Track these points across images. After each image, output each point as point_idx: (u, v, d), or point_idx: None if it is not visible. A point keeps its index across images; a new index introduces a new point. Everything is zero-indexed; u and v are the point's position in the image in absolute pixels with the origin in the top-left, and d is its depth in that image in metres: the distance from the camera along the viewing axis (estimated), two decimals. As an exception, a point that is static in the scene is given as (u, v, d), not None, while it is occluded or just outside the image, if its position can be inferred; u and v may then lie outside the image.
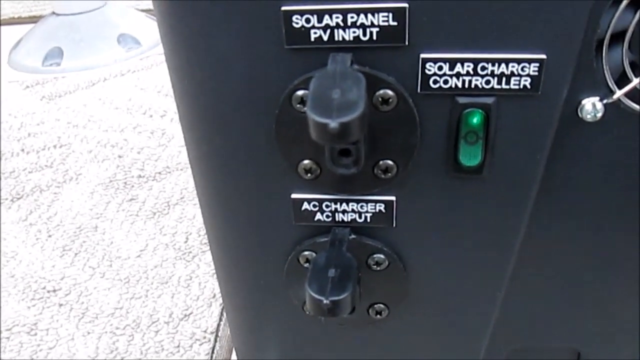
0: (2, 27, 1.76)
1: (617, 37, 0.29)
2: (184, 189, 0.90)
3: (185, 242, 0.79)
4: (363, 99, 0.25)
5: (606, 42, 0.28)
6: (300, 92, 0.30)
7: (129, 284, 0.73)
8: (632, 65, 0.29)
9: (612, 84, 0.29)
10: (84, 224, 0.84)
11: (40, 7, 1.85)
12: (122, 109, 1.16)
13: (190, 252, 0.77)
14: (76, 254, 0.79)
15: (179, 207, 0.86)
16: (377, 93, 0.30)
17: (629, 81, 0.29)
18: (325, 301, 0.29)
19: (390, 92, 0.29)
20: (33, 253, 0.80)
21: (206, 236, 0.79)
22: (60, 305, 0.71)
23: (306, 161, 0.33)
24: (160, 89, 1.23)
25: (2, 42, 1.60)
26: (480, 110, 0.30)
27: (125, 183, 0.92)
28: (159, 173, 0.94)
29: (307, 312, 0.40)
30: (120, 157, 0.99)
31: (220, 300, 0.69)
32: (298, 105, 0.30)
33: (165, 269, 0.75)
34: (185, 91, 0.33)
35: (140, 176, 0.93)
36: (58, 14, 1.49)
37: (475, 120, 0.30)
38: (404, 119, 0.30)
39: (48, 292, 0.73)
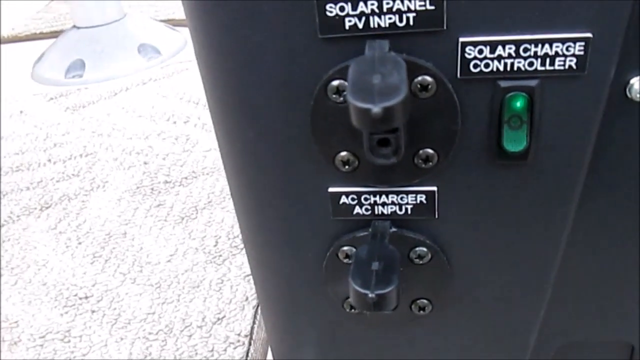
0: (26, 42, 1.78)
1: (666, 12, 0.27)
2: (211, 193, 0.90)
3: (215, 245, 0.79)
4: (405, 82, 0.24)
5: (655, 16, 0.27)
6: (335, 82, 0.29)
7: (161, 289, 0.73)
8: (682, 40, 0.28)
9: (661, 61, 0.28)
10: (113, 230, 0.84)
11: (60, 22, 1.87)
12: (146, 117, 1.16)
13: (221, 255, 0.77)
14: (106, 260, 0.79)
15: (207, 211, 0.86)
16: (416, 80, 0.29)
17: (679, 57, 0.28)
18: (370, 295, 0.28)
19: (429, 79, 0.29)
20: (64, 260, 0.80)
21: (236, 239, 0.79)
22: (93, 311, 0.71)
23: (343, 153, 0.32)
24: (182, 95, 1.23)
25: (26, 58, 1.62)
26: (524, 94, 0.29)
27: (152, 189, 0.92)
28: (185, 178, 0.94)
29: (347, 309, 0.39)
30: (146, 163, 0.99)
31: (254, 303, 0.69)
32: (334, 96, 0.30)
33: (196, 273, 0.75)
34: (216, 86, 0.33)
35: (166, 182, 0.93)
36: (79, 27, 1.50)
37: (519, 104, 0.29)
38: (444, 106, 0.29)
39: (80, 299, 0.73)
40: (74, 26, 1.52)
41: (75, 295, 0.73)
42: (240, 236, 0.79)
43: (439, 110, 0.30)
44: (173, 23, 1.69)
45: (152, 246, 0.80)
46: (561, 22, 0.27)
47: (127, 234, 0.83)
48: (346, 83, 0.29)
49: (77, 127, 1.16)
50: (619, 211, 0.33)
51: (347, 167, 0.32)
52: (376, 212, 0.34)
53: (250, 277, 0.71)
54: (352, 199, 0.34)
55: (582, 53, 0.27)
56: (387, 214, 0.34)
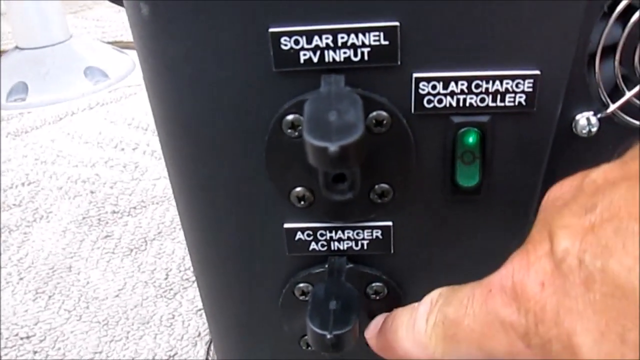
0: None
1: (608, 51, 0.28)
2: (161, 223, 0.88)
3: (166, 278, 0.77)
4: (361, 120, 0.24)
5: (598, 55, 0.28)
6: (290, 117, 0.29)
7: (108, 326, 0.70)
8: (625, 78, 0.29)
9: (605, 98, 0.29)
10: (57, 264, 0.81)
11: (2, 42, 1.82)
12: (92, 143, 1.13)
13: (172, 289, 0.75)
14: (50, 296, 0.76)
15: (157, 243, 0.84)
16: (371, 115, 0.29)
17: (622, 95, 0.29)
18: (329, 336, 0.28)
19: (384, 114, 0.29)
20: (4, 297, 0.76)
21: (187, 271, 0.77)
22: (35, 352, 0.68)
23: (299, 188, 0.31)
24: (130, 121, 1.21)
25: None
26: (476, 129, 0.29)
27: (99, 219, 0.90)
28: (134, 208, 0.92)
29: (304, 347, 0.38)
30: (92, 192, 0.96)
31: (206, 339, 0.67)
32: (289, 131, 0.29)
33: (145, 309, 0.72)
34: (167, 119, 0.32)
35: (114, 212, 0.91)
36: (22, 48, 1.46)
37: (471, 139, 0.29)
38: (399, 141, 0.29)
39: (21, 339, 0.70)
40: (17, 47, 1.48)
41: (16, 335, 0.70)
42: (192, 268, 0.78)
43: (394, 146, 0.30)
44: (121, 45, 1.67)
45: (99, 280, 0.77)
46: (511, 60, 0.27)
47: (73, 267, 0.80)
48: (301, 117, 0.29)
49: (19, 154, 1.12)
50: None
51: (302, 202, 0.32)
52: (332, 248, 0.34)
53: (203, 311, 0.70)
54: (308, 235, 0.33)
55: (530, 90, 0.28)
56: (343, 250, 0.34)
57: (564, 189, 0.23)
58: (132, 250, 0.82)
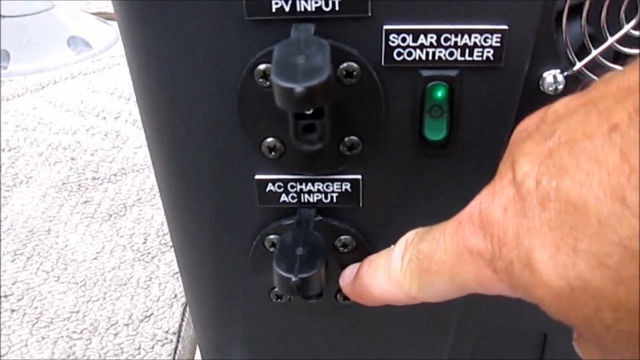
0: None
1: (576, 10, 0.29)
2: (141, 190, 0.88)
3: (144, 243, 0.77)
4: (328, 63, 0.24)
5: (565, 13, 0.29)
6: (262, 66, 0.29)
7: (86, 287, 0.71)
8: (591, 37, 0.30)
9: (572, 56, 0.30)
10: (36, 227, 0.81)
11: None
12: (74, 112, 1.13)
13: (149, 253, 0.75)
14: (28, 257, 0.76)
15: (136, 209, 0.84)
16: (341, 66, 0.29)
17: (588, 52, 0.30)
18: (294, 279, 0.29)
19: (354, 65, 0.29)
20: (-18, 259, 0.77)
21: (165, 236, 0.78)
22: (13, 310, 0.68)
23: (270, 139, 0.32)
24: (113, 91, 1.21)
25: (-55, 47, 1.54)
26: (445, 84, 0.30)
27: (79, 185, 0.90)
28: (114, 175, 0.92)
29: (274, 299, 0.39)
30: (73, 159, 0.96)
31: (182, 301, 0.68)
32: (260, 80, 0.30)
33: (123, 271, 0.73)
34: (142, 73, 0.32)
35: (94, 178, 0.91)
36: (4, 16, 1.44)
37: (440, 93, 0.30)
38: (369, 93, 0.30)
39: (-1, 297, 0.70)
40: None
41: (-6, 293, 0.71)
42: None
43: (363, 98, 0.30)
44: (105, 16, 1.65)
45: (77, 243, 0.78)
46: (479, 14, 0.28)
47: (52, 230, 0.80)
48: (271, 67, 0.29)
49: None
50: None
51: (273, 153, 0.32)
52: (302, 200, 0.35)
53: (179, 275, 0.70)
54: (279, 187, 0.34)
55: (498, 45, 0.29)
56: (313, 202, 0.35)
57: (529, 122, 0.24)
58: (111, 216, 0.83)
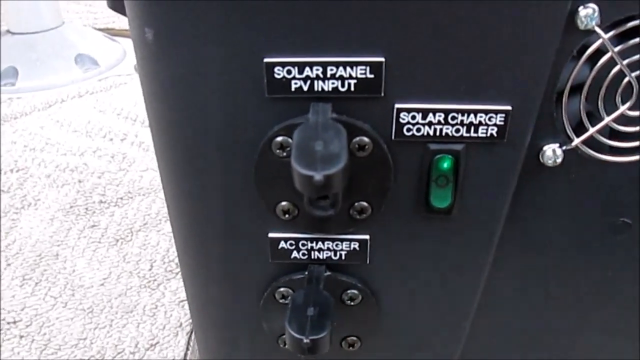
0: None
1: (575, 89, 0.31)
2: (147, 214, 0.90)
3: (150, 269, 0.79)
4: (345, 150, 0.26)
5: (566, 94, 0.30)
6: (279, 138, 0.31)
7: (93, 314, 0.72)
8: (589, 114, 0.32)
9: (570, 132, 0.32)
10: (44, 251, 0.83)
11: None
12: (81, 132, 1.14)
13: (155, 279, 0.77)
14: (37, 283, 0.77)
15: (142, 234, 0.86)
16: (354, 140, 0.31)
17: (585, 128, 0.32)
18: (305, 340, 0.30)
19: (366, 139, 0.31)
20: (-9, 282, 0.78)
21: (171, 263, 0.79)
22: (21, 337, 0.69)
23: (284, 203, 0.34)
24: (119, 111, 1.22)
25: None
26: (450, 156, 0.32)
27: (86, 209, 0.91)
28: (121, 198, 0.93)
29: (281, 345, 0.41)
30: (80, 182, 0.98)
31: (187, 329, 0.69)
32: (278, 151, 0.32)
33: (129, 298, 0.75)
34: (164, 133, 0.34)
35: (101, 202, 0.93)
36: (13, 33, 1.46)
37: (446, 165, 0.32)
38: (379, 164, 0.32)
39: (8, 323, 0.71)
40: (8, 31, 1.48)
41: (3, 319, 0.72)
42: (175, 260, 0.80)
43: (374, 168, 0.32)
44: (112, 33, 1.68)
45: (85, 269, 0.79)
46: (485, 95, 0.30)
47: (60, 255, 0.82)
48: (290, 140, 0.31)
49: (7, 140, 1.13)
50: (531, 261, 0.37)
51: (287, 215, 0.34)
52: (312, 257, 0.36)
53: (185, 302, 0.72)
54: (290, 244, 0.36)
55: (502, 123, 0.30)
56: (323, 259, 0.36)
57: None
58: (117, 241, 0.84)
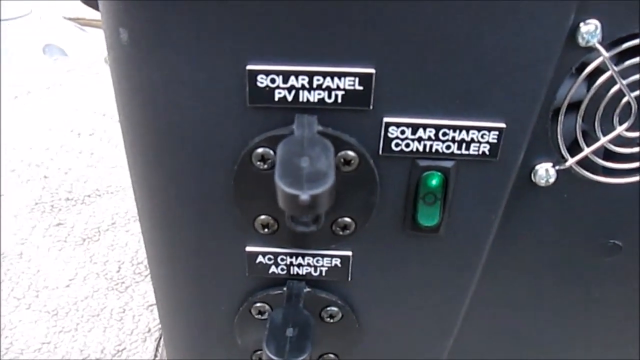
0: None
1: (571, 107, 0.30)
2: (116, 214, 0.87)
3: (118, 271, 0.76)
4: (333, 168, 0.25)
5: (562, 112, 0.29)
6: (260, 150, 0.29)
7: (57, 317, 0.69)
8: (584, 133, 0.30)
9: (564, 152, 0.30)
10: (7, 250, 0.79)
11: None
12: (48, 126, 1.10)
13: (123, 282, 0.74)
14: (-2, 283, 0.74)
15: (110, 234, 0.83)
16: (339, 154, 0.29)
17: (580, 148, 0.31)
18: (283, 365, 0.29)
19: (351, 154, 0.29)
20: (-51, 282, 0.75)
21: (140, 265, 0.77)
22: (-20, 340, 0.67)
23: (263, 216, 0.32)
24: (88, 105, 1.19)
25: None
26: (440, 173, 0.30)
27: (52, 206, 0.88)
28: (88, 196, 0.90)
29: (256, 363, 0.39)
30: (46, 177, 0.94)
31: (156, 335, 0.67)
32: (258, 163, 0.30)
33: (96, 300, 0.72)
34: (137, 138, 0.32)
35: (68, 199, 0.89)
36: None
37: (435, 182, 0.30)
38: (365, 180, 0.30)
39: (-34, 325, 0.68)
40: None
41: (-39, 321, 0.69)
42: (145, 262, 0.77)
43: (359, 184, 0.30)
44: (83, 23, 1.63)
45: (49, 269, 0.76)
46: (478, 112, 0.28)
47: (23, 254, 0.79)
48: (271, 151, 0.29)
49: (-29, 132, 1.09)
50: (518, 280, 0.36)
51: (266, 230, 0.32)
52: (292, 272, 0.35)
53: (154, 306, 0.70)
54: (269, 259, 0.34)
55: (495, 141, 0.29)
56: (302, 275, 0.35)
57: None
58: (84, 240, 0.81)
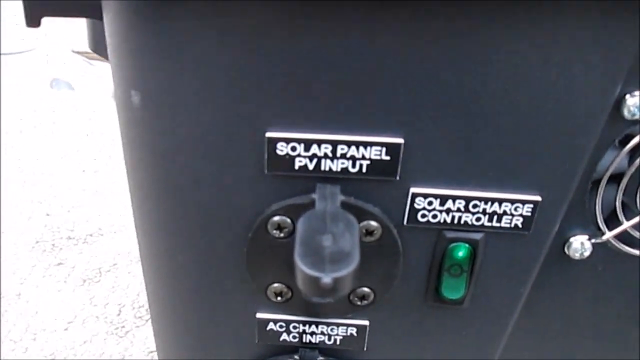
0: None
1: (611, 179, 0.28)
2: (118, 254, 0.85)
3: (118, 314, 0.74)
4: (357, 247, 0.23)
5: (602, 185, 0.27)
6: (277, 218, 0.28)
7: (54, 363, 0.67)
8: (623, 205, 0.29)
9: (602, 224, 0.29)
10: (6, 290, 0.77)
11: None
12: (53, 161, 1.09)
13: (124, 326, 0.72)
14: (-5, 325, 0.72)
15: (112, 275, 0.81)
16: (362, 224, 0.27)
17: (617, 219, 0.29)
18: None
19: (375, 224, 0.27)
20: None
21: (141, 309, 0.74)
22: (-26, 387, 0.64)
23: (277, 284, 0.30)
24: (94, 142, 1.17)
25: None
26: (467, 245, 0.28)
27: (53, 245, 0.86)
28: (90, 235, 0.88)
29: None
30: (48, 215, 0.92)
31: (156, 387, 0.64)
32: (274, 231, 0.28)
33: (95, 345, 0.69)
34: (147, 201, 0.30)
35: (70, 237, 0.87)
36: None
37: (462, 254, 0.28)
38: (387, 250, 0.28)
39: (-40, 371, 0.66)
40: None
41: (-45, 367, 0.66)
42: (146, 305, 0.75)
43: (381, 254, 0.28)
44: (90, 57, 1.63)
45: (48, 311, 0.74)
46: (512, 184, 0.27)
47: (22, 294, 0.76)
48: (288, 220, 0.27)
49: (-26, 164, 1.07)
50: (545, 351, 0.33)
51: (279, 298, 0.30)
52: (304, 340, 0.32)
53: (154, 353, 0.67)
54: (280, 327, 0.32)
55: (529, 214, 0.27)
56: (315, 343, 0.33)
57: None
58: (85, 281, 0.79)
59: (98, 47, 0.38)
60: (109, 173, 1.05)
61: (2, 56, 1.38)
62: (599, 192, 0.28)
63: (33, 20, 0.32)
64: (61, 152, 1.12)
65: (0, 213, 0.90)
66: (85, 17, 0.32)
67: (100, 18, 0.27)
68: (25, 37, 1.41)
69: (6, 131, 1.21)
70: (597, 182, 0.28)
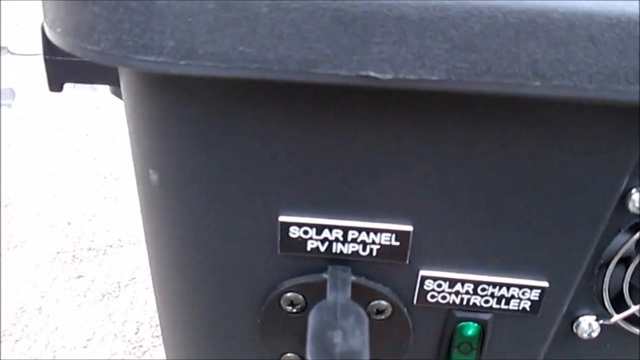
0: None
1: (619, 262, 0.28)
2: (137, 267, 0.86)
3: (136, 333, 0.75)
4: (367, 345, 0.23)
5: (610, 269, 0.28)
6: (289, 294, 0.28)
7: (73, 381, 0.69)
8: (630, 286, 0.29)
9: (609, 307, 0.29)
10: (27, 304, 0.79)
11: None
12: (73, 166, 1.11)
13: (141, 345, 0.73)
14: (17, 340, 0.74)
15: (130, 289, 0.82)
16: (372, 303, 0.28)
17: (624, 300, 0.29)
18: None
19: (384, 303, 0.28)
20: (-32, 336, 0.74)
21: (158, 328, 0.76)
22: (-5, 403, 0.66)
23: (289, 354, 0.31)
24: (117, 146, 1.19)
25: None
26: (476, 324, 0.29)
27: (73, 256, 0.87)
28: (110, 246, 0.90)
29: None
30: (69, 224, 0.94)
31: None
32: (287, 307, 0.29)
33: (112, 364, 0.71)
34: (163, 269, 0.31)
35: (90, 249, 0.89)
36: (13, 53, 1.43)
37: (471, 332, 0.29)
38: (397, 329, 0.29)
39: (-18, 386, 0.68)
40: (8, 51, 1.45)
41: (-23, 383, 0.68)
42: (163, 323, 0.76)
43: (391, 332, 0.29)
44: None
45: (68, 327, 0.76)
46: (520, 270, 0.27)
47: (43, 309, 0.78)
48: (300, 297, 0.28)
49: (-2, 171, 1.09)
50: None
51: (292, 365, 0.31)
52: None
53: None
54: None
55: (537, 299, 0.28)
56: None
57: None
58: (104, 296, 0.81)
59: (119, 91, 0.39)
60: (132, 179, 1.06)
61: (28, 56, 1.40)
62: (606, 276, 0.28)
63: (55, 85, 0.33)
64: (81, 155, 1.14)
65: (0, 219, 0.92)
66: (106, 84, 0.33)
67: (119, 85, 0.28)
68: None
69: (30, 132, 1.23)
70: (604, 266, 0.28)
